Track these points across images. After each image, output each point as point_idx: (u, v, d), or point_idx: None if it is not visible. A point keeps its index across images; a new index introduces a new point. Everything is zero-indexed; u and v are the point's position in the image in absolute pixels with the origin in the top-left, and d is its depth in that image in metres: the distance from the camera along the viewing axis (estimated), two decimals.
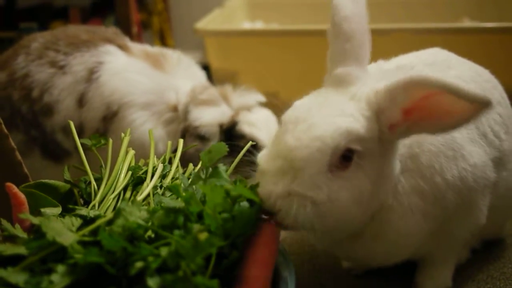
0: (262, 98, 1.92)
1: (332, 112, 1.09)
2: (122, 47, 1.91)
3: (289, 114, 1.12)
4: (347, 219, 1.11)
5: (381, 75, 1.14)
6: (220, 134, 1.83)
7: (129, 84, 1.81)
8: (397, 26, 2.46)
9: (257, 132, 1.81)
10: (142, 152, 1.47)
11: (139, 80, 1.83)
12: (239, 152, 1.33)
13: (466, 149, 1.24)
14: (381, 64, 1.38)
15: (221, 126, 1.84)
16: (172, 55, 1.96)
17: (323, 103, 1.11)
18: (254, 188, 1.08)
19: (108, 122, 1.81)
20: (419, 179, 1.19)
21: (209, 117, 1.83)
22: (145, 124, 1.80)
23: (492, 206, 1.34)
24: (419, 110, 1.06)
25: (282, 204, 1.05)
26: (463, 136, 1.25)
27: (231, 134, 1.83)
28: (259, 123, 1.84)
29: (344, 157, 1.08)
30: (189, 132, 1.82)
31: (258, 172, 1.12)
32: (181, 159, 1.41)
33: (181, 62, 1.96)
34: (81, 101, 1.81)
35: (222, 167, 1.14)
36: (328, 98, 1.13)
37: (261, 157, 1.13)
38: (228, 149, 1.21)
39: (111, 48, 1.89)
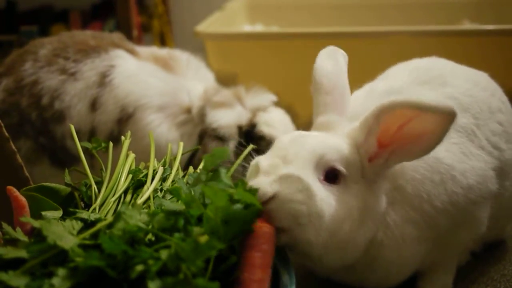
0: (274, 98, 1.95)
1: (320, 136, 1.18)
2: (131, 51, 1.93)
3: (281, 137, 1.21)
4: (341, 236, 1.11)
5: (368, 107, 1.17)
6: (239, 135, 1.85)
7: (143, 87, 1.83)
8: (395, 29, 2.46)
9: (275, 132, 1.84)
10: (158, 154, 1.48)
11: (152, 83, 1.85)
12: (262, 152, 1.36)
13: (457, 169, 1.22)
14: (372, 87, 1.39)
15: (239, 127, 1.86)
16: (181, 57, 1.98)
17: (312, 133, 1.22)
18: (254, 192, 1.08)
19: (123, 124, 1.82)
20: (409, 209, 1.19)
21: (227, 119, 1.85)
22: (160, 126, 1.82)
23: (493, 214, 1.34)
24: (396, 141, 1.11)
25: (274, 187, 1.08)
26: (453, 154, 1.24)
27: (250, 136, 1.85)
28: (276, 123, 1.87)
29: (330, 177, 1.13)
30: (208, 134, 1.84)
31: (252, 170, 1.16)
32: (198, 162, 1.46)
33: (191, 63, 1.98)
34: (94, 105, 1.82)
35: (223, 170, 1.15)
36: (315, 133, 1.23)
37: (258, 159, 1.17)
38: (238, 152, 1.24)
39: (121, 53, 1.90)
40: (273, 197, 1.08)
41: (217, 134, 1.83)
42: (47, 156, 1.86)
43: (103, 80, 1.83)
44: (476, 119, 1.32)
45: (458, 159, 1.24)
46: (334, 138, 1.17)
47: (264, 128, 1.86)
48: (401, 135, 1.10)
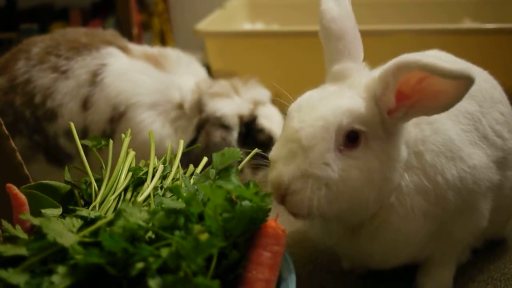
0: (269, 94, 1.95)
1: (332, 97, 1.15)
2: (123, 49, 1.92)
3: (292, 105, 1.18)
4: (360, 200, 1.13)
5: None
6: (240, 126, 1.85)
7: (134, 85, 1.83)
8: (397, 27, 2.47)
9: (274, 126, 1.85)
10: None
11: (143, 80, 1.84)
12: (257, 145, 1.38)
13: (464, 151, 1.25)
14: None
15: (240, 117, 1.86)
16: (171, 54, 1.97)
17: (323, 92, 1.18)
18: (266, 197, 1.08)
19: (116, 123, 1.82)
20: (423, 177, 1.20)
21: (229, 107, 1.85)
22: (153, 124, 1.82)
23: (495, 207, 1.34)
24: (415, 93, 1.10)
25: (296, 185, 1.08)
26: (461, 139, 1.26)
27: (250, 127, 1.86)
28: (274, 118, 1.88)
29: (351, 138, 1.12)
30: (211, 123, 1.84)
31: (270, 160, 1.15)
32: (205, 149, 1.53)
33: (181, 60, 1.97)
34: (85, 104, 1.81)
35: (233, 170, 1.16)
36: (327, 89, 1.19)
37: (273, 148, 1.16)
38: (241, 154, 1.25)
39: (113, 50, 1.89)
40: (293, 192, 1.09)
41: (222, 123, 1.83)
42: (42, 153, 1.86)
43: (94, 79, 1.83)
44: (480, 107, 1.33)
45: (465, 144, 1.26)
46: (349, 96, 1.14)
47: (264, 121, 1.86)
48: (421, 88, 1.09)
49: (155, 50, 2.00)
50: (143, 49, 1.98)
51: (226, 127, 1.83)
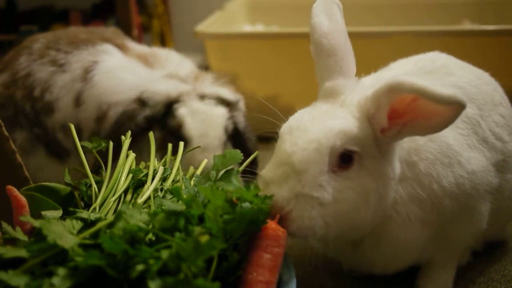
0: (229, 96, 1.83)
1: (324, 117, 1.13)
2: (120, 46, 1.91)
3: (284, 127, 1.17)
4: (357, 220, 1.13)
5: (374, 84, 1.16)
6: (163, 106, 1.76)
7: (116, 84, 1.80)
8: (397, 29, 2.47)
9: (189, 120, 1.72)
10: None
11: (126, 79, 1.82)
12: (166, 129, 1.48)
13: (463, 156, 1.24)
14: (380, 75, 1.39)
15: (168, 98, 1.77)
16: (161, 53, 1.95)
17: (315, 112, 1.16)
18: (266, 199, 1.08)
19: (101, 123, 1.80)
20: (417, 187, 1.20)
21: (161, 86, 1.79)
22: None
23: (495, 209, 1.34)
24: (408, 113, 1.09)
25: (289, 207, 1.07)
26: (460, 143, 1.26)
27: (168, 109, 1.77)
28: (198, 114, 1.75)
29: (344, 159, 1.11)
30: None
31: (261, 182, 1.14)
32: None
33: (170, 58, 1.94)
34: (77, 101, 1.81)
35: (234, 171, 1.15)
36: (319, 107, 1.18)
37: (264, 170, 1.15)
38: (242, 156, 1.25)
39: (108, 47, 1.89)
40: (288, 212, 1.08)
41: (142, 98, 1.76)
42: (42, 146, 1.86)
43: (86, 75, 1.82)
44: (480, 110, 1.33)
45: (464, 148, 1.26)
46: (341, 116, 1.13)
47: (182, 109, 1.73)
48: (414, 108, 1.08)
49: (148, 49, 1.98)
50: (140, 48, 1.97)
51: (142, 102, 1.76)
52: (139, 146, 1.70)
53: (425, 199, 1.21)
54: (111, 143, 1.33)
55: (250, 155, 1.66)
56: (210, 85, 1.84)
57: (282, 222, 1.08)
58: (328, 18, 1.23)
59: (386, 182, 1.15)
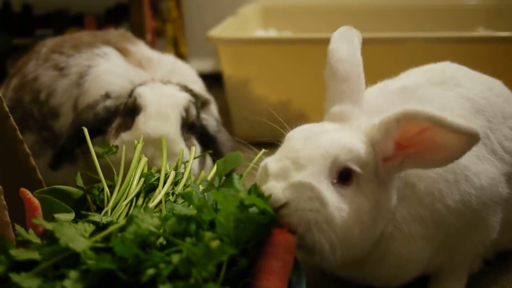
0: (198, 91, 1.78)
1: (334, 132, 1.15)
2: (121, 50, 1.89)
3: (294, 130, 1.18)
4: (351, 239, 1.12)
5: (380, 103, 1.16)
6: (127, 96, 1.71)
7: (104, 88, 1.76)
8: (408, 35, 2.46)
9: (145, 92, 1.65)
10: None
11: (115, 83, 1.77)
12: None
13: (471, 170, 1.23)
14: (387, 84, 1.39)
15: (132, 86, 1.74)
16: (155, 57, 1.91)
17: (323, 127, 1.18)
18: (268, 198, 1.08)
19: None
20: (418, 207, 1.20)
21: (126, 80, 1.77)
22: None
23: (506, 219, 1.33)
24: (414, 145, 1.10)
25: (288, 195, 1.06)
26: (468, 155, 1.23)
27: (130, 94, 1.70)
28: (156, 89, 1.67)
29: (343, 176, 1.11)
30: None
31: (261, 172, 1.14)
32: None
33: (162, 62, 1.89)
34: (75, 107, 1.82)
35: (235, 176, 1.15)
36: (328, 125, 1.20)
37: (267, 161, 1.15)
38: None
39: (108, 50, 1.87)
40: (285, 204, 1.07)
41: (107, 91, 1.73)
42: (50, 148, 1.87)
43: (79, 81, 1.82)
44: (490, 122, 1.32)
45: (472, 161, 1.25)
46: (349, 135, 1.14)
47: (144, 89, 1.67)
48: (421, 140, 1.09)
49: (150, 53, 1.94)
50: (144, 51, 1.94)
51: (106, 94, 1.73)
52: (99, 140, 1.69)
53: (427, 217, 1.20)
54: (123, 147, 1.34)
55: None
56: (180, 77, 1.81)
57: (281, 217, 1.06)
58: (347, 46, 1.25)
59: (380, 210, 1.15)
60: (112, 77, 1.78)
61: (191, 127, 1.67)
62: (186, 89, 1.73)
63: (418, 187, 1.19)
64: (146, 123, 1.57)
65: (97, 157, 1.30)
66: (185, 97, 1.68)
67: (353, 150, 1.12)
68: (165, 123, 1.57)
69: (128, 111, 1.65)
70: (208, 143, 1.71)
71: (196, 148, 1.64)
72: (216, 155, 1.68)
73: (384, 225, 1.17)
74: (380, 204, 1.14)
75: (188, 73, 1.92)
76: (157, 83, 1.71)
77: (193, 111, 1.68)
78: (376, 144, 1.13)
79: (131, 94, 1.68)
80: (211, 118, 1.76)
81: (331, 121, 1.22)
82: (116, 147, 1.36)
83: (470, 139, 1.03)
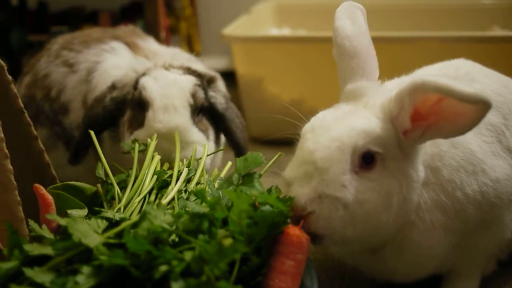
0: (202, 70, 1.75)
1: (347, 117, 1.13)
2: (129, 44, 1.89)
3: (306, 126, 1.17)
4: (378, 223, 1.12)
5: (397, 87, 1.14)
6: (132, 85, 1.68)
7: (109, 82, 1.73)
8: (424, 34, 2.45)
9: (149, 84, 1.61)
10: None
11: (119, 77, 1.74)
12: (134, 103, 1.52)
13: (487, 164, 1.23)
14: (403, 80, 1.38)
15: (136, 75, 1.70)
16: (161, 50, 1.89)
17: (337, 112, 1.16)
18: (288, 200, 1.08)
19: None
20: (441, 193, 1.19)
21: (129, 69, 1.74)
22: None
23: None
24: (432, 115, 1.08)
25: (313, 206, 1.07)
26: (484, 150, 1.24)
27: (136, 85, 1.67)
28: (160, 79, 1.63)
29: (367, 159, 1.10)
30: None
31: (283, 183, 1.14)
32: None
33: (165, 53, 1.87)
34: (85, 103, 1.82)
35: (256, 175, 1.15)
36: (342, 108, 1.18)
37: (286, 170, 1.15)
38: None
39: (116, 45, 1.87)
40: (310, 213, 1.07)
41: (113, 82, 1.71)
42: (62, 143, 1.89)
43: (88, 77, 1.82)
44: (505, 119, 1.31)
45: (488, 156, 1.24)
46: (364, 116, 1.13)
47: (146, 79, 1.63)
48: (438, 110, 1.07)
49: (158, 47, 1.93)
50: (153, 46, 1.93)
51: (112, 86, 1.70)
52: (110, 134, 1.70)
53: (449, 206, 1.19)
54: (136, 145, 1.35)
55: (234, 137, 1.65)
56: (182, 59, 1.78)
57: (303, 222, 1.07)
58: (351, 22, 1.24)
59: (409, 185, 1.14)
60: (120, 71, 1.77)
61: (201, 110, 1.65)
62: (189, 70, 1.71)
63: (442, 173, 1.19)
64: (155, 119, 1.55)
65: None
66: (189, 81, 1.64)
67: (371, 132, 1.10)
68: (174, 115, 1.56)
69: (136, 104, 1.63)
70: (218, 121, 1.69)
71: (209, 131, 1.63)
72: (226, 133, 1.68)
73: (417, 200, 1.16)
74: (409, 179, 1.14)
75: (189, 57, 1.89)
76: (159, 70, 1.68)
77: (200, 94, 1.65)
78: (395, 119, 1.12)
79: (136, 84, 1.66)
80: (218, 95, 1.72)
81: (346, 100, 1.20)
82: (144, 145, 1.38)
83: (482, 106, 1.01)
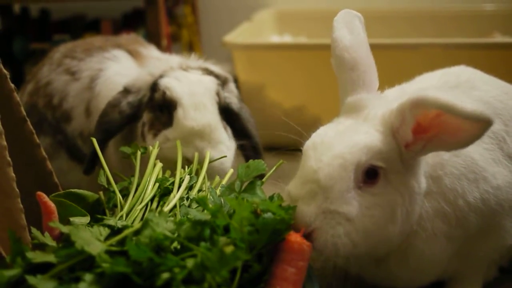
0: (217, 70, 1.75)
1: (348, 133, 1.13)
2: (132, 52, 1.90)
3: (308, 143, 1.16)
4: (384, 237, 1.13)
5: (398, 98, 1.15)
6: (148, 88, 1.68)
7: (115, 90, 1.73)
8: (426, 41, 2.45)
9: (174, 83, 1.61)
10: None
11: (121, 83, 1.74)
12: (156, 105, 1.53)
13: (488, 171, 1.23)
14: (404, 87, 1.38)
15: (152, 78, 1.70)
16: (164, 57, 1.89)
17: (338, 127, 1.16)
18: (289, 209, 1.08)
19: None
20: (442, 202, 1.19)
21: (143, 72, 1.74)
22: None
23: None
24: (433, 128, 1.08)
25: (317, 223, 1.08)
26: (485, 158, 1.24)
27: (153, 88, 1.66)
28: (183, 79, 1.62)
29: (370, 174, 1.11)
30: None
31: (287, 197, 1.14)
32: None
33: (170, 59, 1.84)
34: (87, 111, 1.83)
35: (258, 183, 1.16)
36: (342, 123, 1.18)
37: (290, 186, 1.15)
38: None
39: (118, 53, 1.89)
40: (315, 229, 1.08)
41: (125, 86, 1.69)
42: (64, 151, 1.89)
43: (91, 84, 1.83)
44: (506, 126, 1.32)
45: (489, 163, 1.25)
46: (364, 130, 1.13)
47: (167, 80, 1.62)
48: (439, 123, 1.07)
49: (160, 55, 1.93)
50: (155, 54, 1.93)
51: (126, 90, 1.69)
52: (126, 137, 1.69)
53: (450, 214, 1.20)
54: (139, 152, 1.35)
55: (251, 136, 1.66)
56: (196, 61, 1.78)
57: (307, 238, 1.08)
58: (350, 32, 1.23)
59: (412, 197, 1.14)
60: (123, 79, 1.77)
61: (223, 111, 1.65)
62: (208, 71, 1.71)
63: (444, 182, 1.19)
64: (186, 117, 1.55)
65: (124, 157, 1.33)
66: (212, 81, 1.65)
67: (373, 147, 1.10)
68: (204, 112, 1.56)
69: (159, 105, 1.62)
70: (232, 121, 1.69)
71: (228, 130, 1.63)
72: (241, 133, 1.68)
73: (419, 212, 1.17)
74: (412, 191, 1.14)
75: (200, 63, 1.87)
76: (178, 71, 1.67)
77: (222, 93, 1.66)
78: (396, 132, 1.12)
79: (153, 86, 1.65)
80: (232, 95, 1.73)
81: (347, 113, 1.20)
82: (145, 148, 1.38)
83: (483, 124, 1.01)
